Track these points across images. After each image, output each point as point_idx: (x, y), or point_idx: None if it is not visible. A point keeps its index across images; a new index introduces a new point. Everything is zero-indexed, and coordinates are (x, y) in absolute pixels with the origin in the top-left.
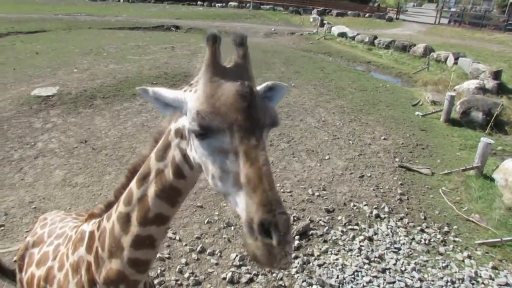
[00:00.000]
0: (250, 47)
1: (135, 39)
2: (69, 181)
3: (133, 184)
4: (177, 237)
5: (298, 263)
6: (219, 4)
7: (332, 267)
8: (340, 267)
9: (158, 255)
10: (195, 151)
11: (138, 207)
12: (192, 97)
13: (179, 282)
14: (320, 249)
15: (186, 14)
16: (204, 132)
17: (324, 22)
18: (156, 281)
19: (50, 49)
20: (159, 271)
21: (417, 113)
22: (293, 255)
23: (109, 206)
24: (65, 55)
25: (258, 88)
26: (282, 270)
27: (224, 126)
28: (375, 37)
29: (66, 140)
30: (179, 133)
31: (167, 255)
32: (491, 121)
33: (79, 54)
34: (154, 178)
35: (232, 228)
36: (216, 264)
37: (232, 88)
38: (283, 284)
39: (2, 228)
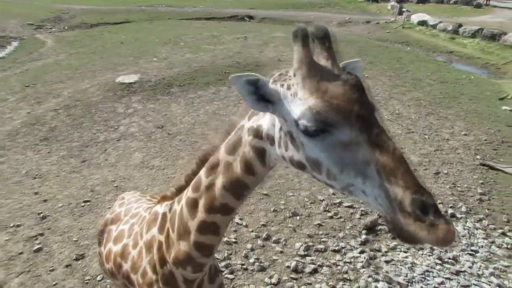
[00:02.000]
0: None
1: (210, 29)
2: (146, 163)
3: (202, 172)
4: (244, 223)
5: (364, 257)
6: None
7: (400, 265)
8: (409, 265)
9: (225, 239)
10: (302, 150)
11: (206, 195)
12: (288, 95)
13: (244, 267)
14: (388, 245)
15: (260, 4)
16: (319, 128)
17: (403, 9)
18: (222, 264)
19: (133, 39)
20: (225, 254)
21: (504, 107)
22: (364, 247)
23: (180, 190)
24: (146, 45)
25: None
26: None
27: (340, 119)
28: (460, 25)
29: (145, 124)
30: (255, 133)
31: (233, 240)
32: None
33: (158, 44)
34: (222, 170)
35: (298, 218)
36: (281, 252)
37: (341, 80)
38: (348, 278)
39: (89, 203)
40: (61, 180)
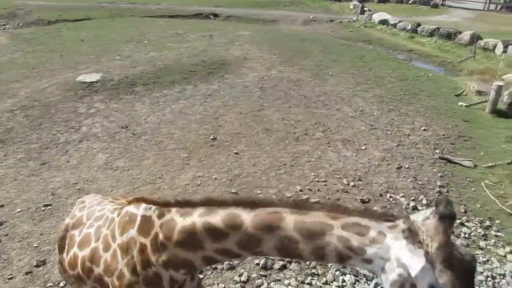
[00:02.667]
0: (288, 35)
1: (174, 27)
2: (110, 164)
3: (248, 220)
4: None
5: None
6: None
7: None
8: None
9: None
10: None
11: (246, 239)
12: (428, 268)
13: (213, 266)
14: None
15: (225, 2)
16: None
17: (365, 9)
18: None
19: (94, 36)
20: None
21: (460, 103)
22: None
23: (184, 203)
24: (108, 43)
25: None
26: None
27: None
28: (418, 25)
29: (108, 125)
30: (355, 252)
31: None
32: None
33: (121, 42)
34: (282, 237)
35: None
36: None
37: (468, 262)
38: (316, 272)
39: (49, 207)
40: (19, 184)
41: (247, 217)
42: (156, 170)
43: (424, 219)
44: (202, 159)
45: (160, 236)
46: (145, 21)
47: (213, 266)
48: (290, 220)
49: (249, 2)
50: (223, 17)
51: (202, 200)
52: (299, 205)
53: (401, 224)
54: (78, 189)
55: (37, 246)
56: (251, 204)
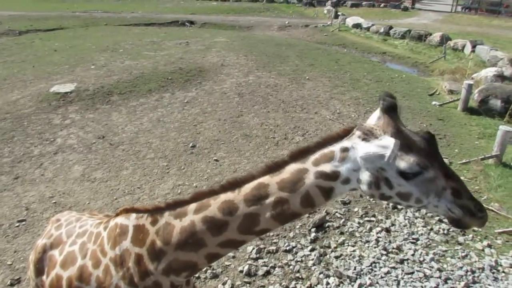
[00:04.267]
0: (264, 41)
1: (150, 35)
2: (87, 176)
3: (238, 200)
4: None
5: (315, 255)
6: None
7: (349, 259)
8: (357, 258)
9: None
10: (396, 188)
11: (245, 221)
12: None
13: (196, 275)
14: (337, 241)
15: (200, 9)
16: (417, 173)
17: (339, 13)
18: None
19: (68, 46)
20: None
21: (434, 102)
22: (314, 244)
23: (175, 204)
24: (83, 52)
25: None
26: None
27: (429, 165)
28: (390, 27)
29: (84, 136)
30: (329, 176)
31: None
32: (510, 108)
33: (96, 51)
34: (273, 203)
35: None
36: (233, 257)
37: (425, 139)
38: (300, 276)
39: (24, 222)
40: None
41: (238, 199)
42: (135, 180)
43: (378, 119)
44: (182, 167)
45: (158, 242)
46: (120, 30)
47: (197, 275)
48: (272, 183)
49: (225, 9)
50: (199, 24)
51: (192, 196)
52: (272, 167)
53: (356, 132)
54: (54, 203)
55: (11, 264)
56: (235, 184)
